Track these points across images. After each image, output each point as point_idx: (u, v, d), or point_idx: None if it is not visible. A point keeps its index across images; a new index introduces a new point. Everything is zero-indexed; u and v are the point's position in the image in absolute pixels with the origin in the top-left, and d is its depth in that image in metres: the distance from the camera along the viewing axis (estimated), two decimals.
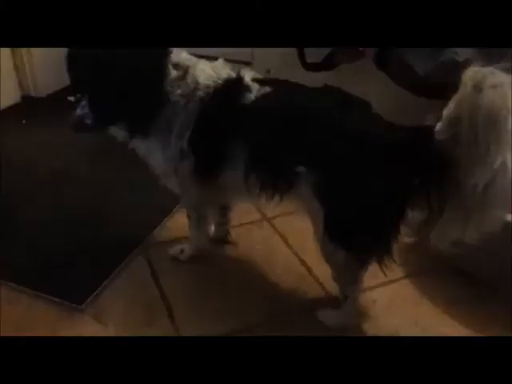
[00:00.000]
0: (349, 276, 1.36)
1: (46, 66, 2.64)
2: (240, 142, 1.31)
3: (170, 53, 1.37)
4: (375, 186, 1.16)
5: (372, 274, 1.38)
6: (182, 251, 1.63)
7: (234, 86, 1.34)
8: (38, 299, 1.47)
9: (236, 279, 1.57)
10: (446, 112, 1.12)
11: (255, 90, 1.31)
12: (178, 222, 1.76)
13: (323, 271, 1.52)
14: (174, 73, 1.35)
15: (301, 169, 1.24)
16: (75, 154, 2.18)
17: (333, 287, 1.50)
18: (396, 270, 1.58)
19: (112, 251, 1.64)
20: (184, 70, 1.36)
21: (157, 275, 1.57)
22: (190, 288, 1.54)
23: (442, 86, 1.79)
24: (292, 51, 2.19)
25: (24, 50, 2.55)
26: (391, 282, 1.53)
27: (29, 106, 2.61)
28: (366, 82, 2.21)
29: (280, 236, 1.74)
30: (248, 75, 1.36)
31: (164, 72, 1.34)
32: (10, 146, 2.23)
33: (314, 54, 2.15)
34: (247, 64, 2.67)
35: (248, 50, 2.66)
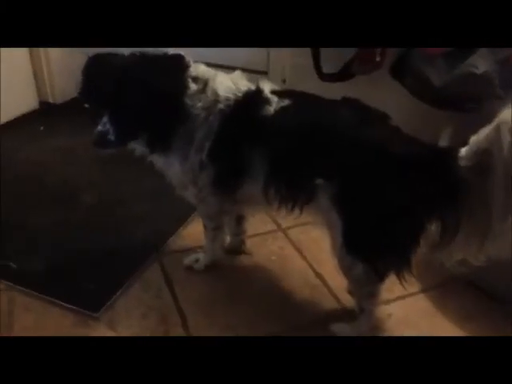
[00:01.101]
0: (366, 289, 1.35)
1: (63, 73, 2.67)
2: (260, 154, 1.32)
3: (189, 66, 1.38)
4: (394, 200, 1.16)
5: (387, 288, 1.37)
6: (196, 261, 1.63)
7: (254, 99, 1.34)
8: (53, 306, 1.48)
9: (250, 290, 1.57)
10: (473, 141, 1.12)
11: (275, 103, 1.31)
12: (193, 231, 1.76)
13: (338, 283, 1.52)
14: (193, 86, 1.36)
15: (320, 181, 1.24)
16: (91, 160, 2.20)
17: (347, 299, 1.50)
18: (411, 284, 1.58)
19: (127, 259, 1.65)
20: (203, 83, 1.37)
21: (171, 284, 1.57)
22: (204, 297, 1.53)
23: (458, 99, 1.80)
24: (308, 61, 2.20)
25: (43, 57, 2.59)
26: (407, 295, 1.52)
27: (46, 113, 2.64)
28: (382, 93, 2.22)
29: (294, 247, 1.74)
30: (267, 87, 1.36)
31: (184, 86, 1.35)
32: (27, 152, 2.26)
33: (330, 65, 2.16)
34: (263, 73, 2.69)
35: (264, 59, 2.67)
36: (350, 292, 1.49)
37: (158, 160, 1.46)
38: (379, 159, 1.17)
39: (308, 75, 2.24)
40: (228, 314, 1.47)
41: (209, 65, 2.80)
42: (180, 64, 1.38)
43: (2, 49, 2.39)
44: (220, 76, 1.40)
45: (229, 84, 1.37)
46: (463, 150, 1.13)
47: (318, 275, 1.62)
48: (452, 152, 1.14)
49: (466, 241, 1.17)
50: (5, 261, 1.62)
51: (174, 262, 1.65)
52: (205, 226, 1.59)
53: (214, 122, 1.35)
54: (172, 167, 1.44)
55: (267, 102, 1.32)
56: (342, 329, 1.41)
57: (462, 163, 1.12)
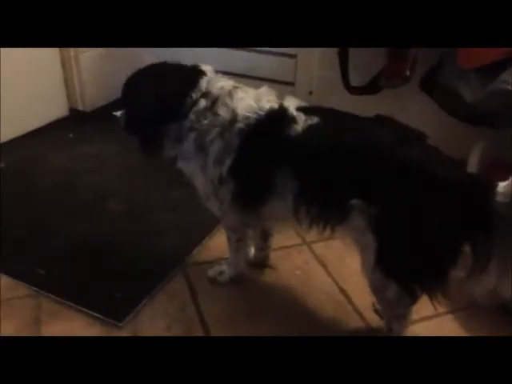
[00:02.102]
0: (398, 311, 1.33)
1: (94, 81, 2.73)
2: (288, 173, 1.30)
3: (199, 82, 1.39)
4: (433, 224, 1.15)
5: (414, 309, 1.35)
6: (221, 273, 1.63)
7: (278, 118, 1.31)
8: (79, 314, 1.50)
9: (274, 304, 1.56)
10: None
11: (302, 121, 1.28)
12: (219, 242, 1.77)
13: (363, 300, 1.50)
14: (202, 102, 1.37)
15: (355, 202, 1.21)
16: (119, 168, 2.23)
17: (372, 318, 1.48)
18: (439, 305, 1.55)
19: (153, 269, 1.66)
20: (212, 100, 1.37)
21: (196, 296, 1.58)
22: (227, 311, 1.53)
23: (490, 115, 1.77)
24: (335, 73, 2.19)
25: (74, 65, 2.64)
26: (433, 316, 1.49)
27: (76, 120, 2.69)
28: (410, 107, 2.20)
29: (319, 262, 1.73)
30: (292, 105, 1.34)
31: (181, 101, 1.38)
32: (56, 159, 2.30)
33: (358, 77, 2.15)
34: (290, 85, 2.69)
35: (291, 70, 2.68)
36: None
37: (183, 167, 1.48)
38: (419, 182, 1.15)
39: (335, 87, 2.23)
40: (251, 328, 1.46)
41: (235, 75, 2.82)
42: (189, 78, 1.40)
43: (35, 56, 2.45)
44: (241, 92, 1.38)
45: (249, 102, 1.35)
46: (502, 186, 1.12)
47: (343, 291, 1.60)
48: (492, 185, 1.13)
49: (497, 273, 1.15)
50: (33, 267, 1.65)
51: (198, 274, 1.65)
52: (228, 238, 1.59)
53: (232, 139, 1.34)
54: (197, 176, 1.45)
55: (293, 120, 1.29)
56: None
57: (499, 198, 1.11)
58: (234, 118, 1.34)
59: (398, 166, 1.17)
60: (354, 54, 2.11)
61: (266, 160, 1.32)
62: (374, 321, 1.45)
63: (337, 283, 1.63)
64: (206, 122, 1.36)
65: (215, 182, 1.40)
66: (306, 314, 1.52)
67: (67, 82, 2.69)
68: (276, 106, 1.34)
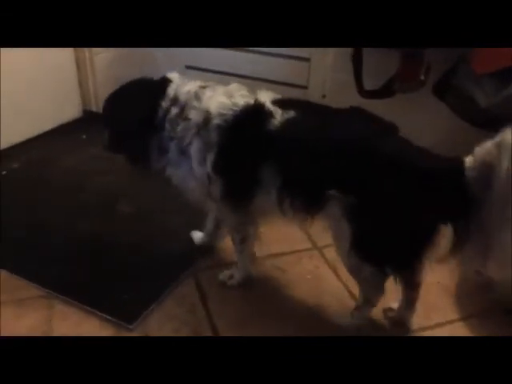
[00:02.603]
0: (374, 284, 1.38)
1: (108, 83, 2.74)
2: (269, 167, 1.32)
3: (167, 86, 1.43)
4: (404, 210, 1.20)
5: (425, 315, 1.34)
6: (230, 277, 1.63)
7: (255, 113, 1.34)
8: (90, 315, 1.51)
9: (284, 308, 1.56)
10: (477, 153, 1.16)
11: (279, 115, 1.31)
12: (229, 246, 1.76)
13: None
14: (173, 110, 1.41)
15: (332, 192, 1.26)
16: (130, 171, 2.24)
17: (383, 323, 1.48)
18: (450, 312, 1.54)
19: (163, 271, 1.66)
20: (181, 107, 1.40)
21: (205, 299, 1.58)
22: (237, 314, 1.53)
23: (505, 120, 1.75)
24: (349, 77, 2.18)
25: (89, 66, 2.66)
26: (445, 323, 1.49)
27: (89, 121, 2.71)
28: (424, 112, 2.18)
29: (330, 266, 1.72)
30: (267, 99, 1.35)
31: (151, 112, 1.43)
32: (69, 160, 2.32)
33: (372, 81, 2.13)
34: (303, 88, 2.68)
35: (304, 74, 2.67)
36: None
37: (173, 176, 1.51)
38: (391, 171, 1.20)
39: (348, 91, 2.22)
40: (261, 332, 1.45)
41: (247, 78, 2.83)
42: (157, 89, 1.45)
43: (50, 58, 2.48)
44: (208, 91, 1.41)
45: (221, 99, 1.37)
46: (468, 161, 1.17)
47: (353, 296, 1.59)
48: (459, 162, 1.18)
49: (476, 248, 1.19)
50: (45, 268, 1.66)
51: (208, 277, 1.66)
52: (233, 240, 1.60)
53: (210, 137, 1.36)
54: (187, 182, 1.47)
55: (270, 115, 1.31)
56: (343, 318, 1.47)
57: (468, 173, 1.15)
58: (207, 117, 1.37)
59: (371, 156, 1.21)
60: (368, 57, 2.10)
61: (247, 155, 1.35)
62: (384, 325, 1.44)
63: (347, 288, 1.62)
64: (179, 128, 1.40)
65: (205, 182, 1.42)
66: (316, 319, 1.52)
67: (81, 84, 2.72)
68: (251, 101, 1.36)
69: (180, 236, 1.82)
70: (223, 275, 1.64)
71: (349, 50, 2.13)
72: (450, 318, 1.50)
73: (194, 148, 1.39)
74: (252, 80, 2.83)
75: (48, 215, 1.94)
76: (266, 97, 1.36)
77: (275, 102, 1.34)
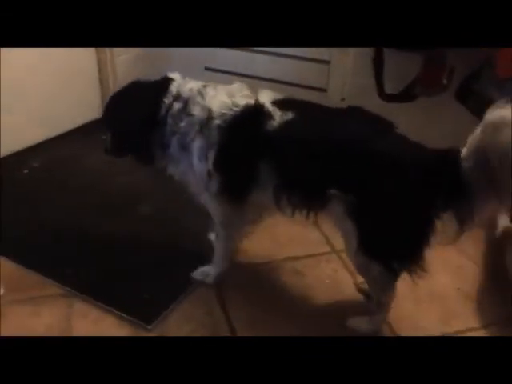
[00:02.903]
0: (383, 285, 1.39)
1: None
2: (267, 166, 1.35)
3: (169, 84, 1.46)
4: (406, 205, 1.22)
5: (445, 321, 1.32)
6: (207, 275, 1.64)
7: (254, 114, 1.36)
8: (109, 314, 1.52)
9: (303, 312, 1.55)
10: (470, 140, 1.19)
11: (278, 116, 1.33)
12: (247, 247, 1.77)
13: (392, 312, 1.48)
14: (176, 105, 1.43)
15: (333, 191, 1.28)
16: (149, 171, 2.25)
17: (402, 328, 1.47)
18: (471, 319, 1.51)
19: (181, 272, 1.67)
20: (184, 102, 1.43)
21: (223, 301, 1.58)
22: (255, 317, 1.52)
23: None
24: (369, 80, 2.16)
25: (110, 67, 2.69)
26: (466, 330, 1.47)
27: None
28: (446, 117, 2.15)
29: (348, 271, 1.70)
30: (267, 99, 1.38)
31: (155, 110, 1.45)
32: (89, 160, 2.34)
33: (393, 85, 2.12)
34: (322, 91, 2.67)
35: (324, 76, 2.66)
36: (360, 290, 1.60)
37: (174, 172, 1.55)
38: (390, 168, 1.22)
39: (368, 94, 2.21)
40: (279, 335, 1.45)
41: (267, 80, 2.83)
42: (160, 87, 1.47)
43: (72, 59, 2.51)
44: (211, 90, 1.44)
45: (223, 99, 1.40)
46: (463, 151, 1.20)
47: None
48: (455, 154, 1.20)
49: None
50: (64, 266, 1.68)
51: (226, 279, 1.65)
52: (216, 235, 1.61)
53: (211, 136, 1.39)
54: (187, 176, 1.51)
55: (269, 116, 1.34)
56: (359, 323, 1.46)
57: (464, 163, 1.18)
58: (210, 116, 1.40)
59: (369, 155, 1.23)
60: (389, 60, 2.08)
61: (247, 154, 1.37)
62: (403, 330, 1.42)
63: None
64: (183, 124, 1.43)
65: (205, 178, 1.45)
66: (334, 323, 1.50)
67: (102, 85, 2.74)
68: (252, 101, 1.38)
69: (199, 237, 1.82)
70: (198, 273, 1.65)
71: (370, 53, 2.12)
72: (471, 326, 1.48)
73: (196, 145, 1.42)
74: (271, 82, 2.83)
75: (68, 214, 1.96)
76: (266, 97, 1.39)
77: (275, 103, 1.37)
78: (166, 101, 1.44)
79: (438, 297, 1.61)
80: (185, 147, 1.44)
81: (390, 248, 1.30)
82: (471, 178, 1.18)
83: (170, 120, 1.44)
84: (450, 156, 1.21)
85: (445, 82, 1.91)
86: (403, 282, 1.48)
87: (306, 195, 1.35)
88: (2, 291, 1.51)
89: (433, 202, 1.23)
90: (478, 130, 1.17)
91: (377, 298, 1.44)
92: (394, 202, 1.23)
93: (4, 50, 2.10)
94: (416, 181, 1.21)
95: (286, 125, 1.32)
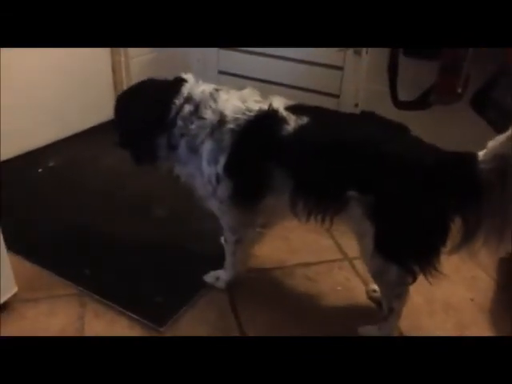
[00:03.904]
0: (397, 290, 1.39)
1: None
2: (283, 171, 1.35)
3: (181, 85, 1.47)
4: (424, 206, 1.23)
5: (459, 332, 1.32)
6: (217, 279, 1.64)
7: (268, 119, 1.36)
8: (121, 315, 1.53)
9: (314, 318, 1.55)
10: (491, 146, 1.21)
11: (292, 121, 1.34)
12: (260, 252, 1.77)
13: (404, 320, 1.48)
14: (186, 107, 1.44)
15: (352, 193, 1.29)
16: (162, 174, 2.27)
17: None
18: (484, 330, 1.51)
19: (194, 275, 1.67)
20: (195, 105, 1.43)
21: (235, 305, 1.58)
22: (267, 322, 1.53)
23: None
24: (383, 87, 2.16)
25: (124, 68, 2.71)
26: None
27: None
28: (460, 125, 2.15)
29: (361, 279, 1.70)
30: (281, 105, 1.38)
31: (164, 110, 1.45)
32: (105, 161, 2.36)
33: (407, 92, 2.11)
34: (335, 97, 2.68)
35: (337, 82, 2.67)
36: (372, 298, 1.60)
37: (181, 173, 1.56)
38: (409, 169, 1.23)
39: (381, 101, 2.20)
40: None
41: (280, 85, 2.83)
42: (171, 87, 1.48)
43: (88, 60, 2.53)
44: (223, 94, 1.44)
45: (236, 103, 1.40)
46: (481, 154, 1.22)
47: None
48: (472, 156, 1.22)
49: (487, 237, 1.24)
50: (79, 267, 1.69)
51: (238, 283, 1.66)
52: (225, 240, 1.61)
53: (223, 139, 1.39)
54: (194, 179, 1.51)
55: (284, 121, 1.34)
56: (370, 331, 1.46)
57: (482, 166, 1.20)
58: (222, 120, 1.40)
59: (387, 157, 1.24)
60: (404, 67, 2.08)
61: (261, 159, 1.37)
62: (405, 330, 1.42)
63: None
64: (193, 126, 1.43)
65: (213, 182, 1.45)
66: (345, 331, 1.50)
67: (116, 86, 2.76)
68: (265, 106, 1.38)
69: (213, 239, 1.82)
70: (209, 277, 1.65)
71: (384, 59, 2.12)
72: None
73: (206, 148, 1.42)
74: (284, 87, 2.84)
75: (82, 214, 1.98)
76: (279, 103, 1.39)
77: (288, 108, 1.37)
78: (177, 102, 1.45)
79: (452, 308, 1.60)
80: (193, 150, 1.45)
81: (408, 248, 1.30)
82: (487, 180, 1.20)
83: (179, 122, 1.44)
84: (467, 158, 1.23)
85: (459, 90, 1.90)
86: (417, 293, 1.49)
87: (323, 198, 1.35)
88: (17, 290, 1.53)
89: (450, 202, 1.24)
90: (501, 137, 1.19)
91: (389, 305, 1.43)
92: (413, 202, 1.24)
93: (20, 50, 2.12)
94: (434, 181, 1.23)
95: (301, 129, 1.33)
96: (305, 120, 1.34)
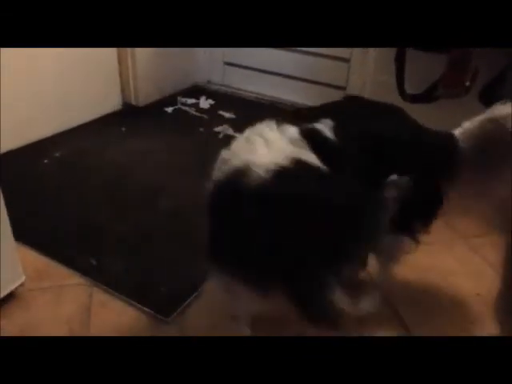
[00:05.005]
0: (393, 259, 1.45)
1: (147, 76, 2.79)
2: None
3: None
4: (427, 181, 1.30)
5: (464, 329, 1.31)
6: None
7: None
8: (128, 306, 1.54)
9: None
10: (467, 126, 1.35)
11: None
12: None
13: (412, 317, 1.48)
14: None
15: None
16: (168, 164, 2.27)
17: (421, 333, 1.47)
18: (491, 326, 1.51)
19: (199, 266, 1.67)
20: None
21: None
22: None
23: None
24: (390, 79, 2.16)
25: (130, 60, 2.70)
26: None
27: (128, 114, 2.75)
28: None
29: None
30: (303, 154, 1.13)
31: None
32: (109, 153, 2.36)
33: (415, 85, 2.11)
34: (341, 89, 2.67)
35: (344, 75, 2.66)
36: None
37: None
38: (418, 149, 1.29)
39: (388, 94, 2.19)
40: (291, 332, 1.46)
41: (285, 76, 2.82)
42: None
43: (93, 50, 2.52)
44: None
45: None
46: (457, 133, 1.36)
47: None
48: (452, 136, 1.36)
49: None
50: (85, 256, 1.70)
51: None
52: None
53: None
54: None
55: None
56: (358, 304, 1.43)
57: (461, 144, 1.33)
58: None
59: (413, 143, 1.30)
60: (412, 60, 2.07)
61: None
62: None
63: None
64: None
65: None
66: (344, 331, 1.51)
67: (122, 77, 2.76)
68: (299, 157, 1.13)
69: None
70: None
71: (391, 51, 2.11)
72: (489, 332, 1.47)
73: None
74: (290, 79, 2.83)
75: (88, 205, 1.98)
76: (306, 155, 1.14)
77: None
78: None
79: (457, 302, 1.60)
80: None
81: (418, 219, 1.36)
82: (464, 158, 1.32)
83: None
84: (448, 136, 1.35)
85: (468, 83, 1.89)
86: (424, 288, 1.49)
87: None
88: (25, 279, 1.54)
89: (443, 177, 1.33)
90: (479, 118, 1.33)
91: (386, 272, 1.48)
92: (421, 179, 1.27)
93: None
94: (432, 157, 1.30)
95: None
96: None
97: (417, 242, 1.39)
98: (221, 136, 2.51)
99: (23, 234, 1.65)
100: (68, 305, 1.53)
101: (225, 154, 1.23)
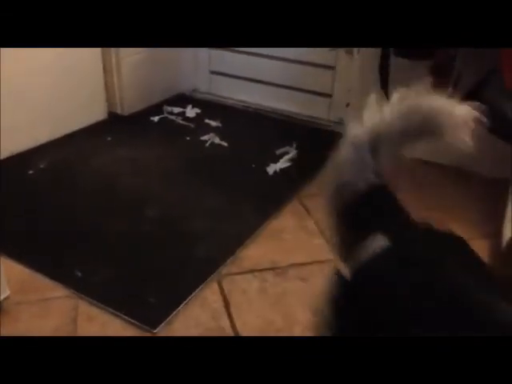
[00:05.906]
0: None
1: (133, 85, 2.77)
2: None
3: None
4: None
5: None
6: None
7: None
8: (115, 317, 1.52)
9: (307, 317, 1.55)
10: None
11: None
12: (252, 254, 1.77)
13: None
14: None
15: None
16: (155, 173, 2.26)
17: None
18: None
19: (187, 276, 1.67)
20: None
21: (229, 307, 1.58)
22: (260, 323, 1.53)
23: None
24: (375, 87, 2.17)
25: (115, 69, 2.69)
26: None
27: (114, 123, 2.74)
28: None
29: None
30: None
31: None
32: (95, 162, 2.34)
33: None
34: (327, 96, 2.68)
35: (329, 82, 2.67)
36: None
37: None
38: None
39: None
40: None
41: (271, 84, 2.82)
42: None
43: (77, 60, 2.51)
44: None
45: None
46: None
47: None
48: None
49: None
50: (70, 268, 1.68)
51: (231, 284, 1.66)
52: None
53: None
54: None
55: None
56: None
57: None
58: None
59: None
60: (396, 67, 2.09)
61: None
62: None
63: None
64: None
65: None
66: None
67: (107, 87, 2.74)
68: None
69: (204, 242, 1.83)
70: None
71: (375, 59, 2.13)
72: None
73: None
74: (276, 87, 2.84)
75: (73, 216, 1.96)
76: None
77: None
78: None
79: None
80: None
81: None
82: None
83: None
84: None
85: (451, 89, 1.91)
86: None
87: None
88: (9, 293, 1.51)
89: None
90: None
91: None
92: None
93: (8, 50, 2.10)
94: None
95: None
96: None
97: None
98: (207, 144, 2.50)
99: (6, 246, 1.63)
100: (54, 318, 1.51)
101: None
